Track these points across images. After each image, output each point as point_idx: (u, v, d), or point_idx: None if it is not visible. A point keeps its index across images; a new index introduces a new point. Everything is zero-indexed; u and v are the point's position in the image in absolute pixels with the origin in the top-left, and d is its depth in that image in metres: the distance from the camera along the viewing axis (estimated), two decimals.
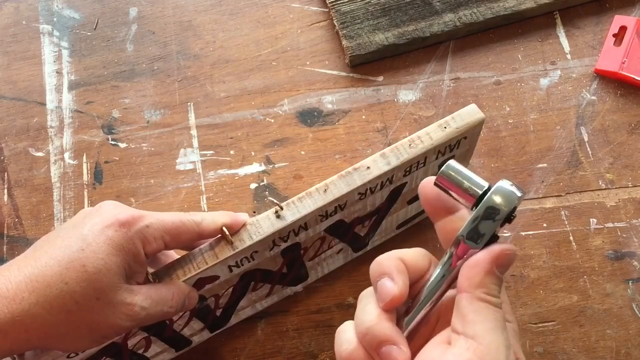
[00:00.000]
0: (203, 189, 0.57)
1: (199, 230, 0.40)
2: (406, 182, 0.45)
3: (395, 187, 0.45)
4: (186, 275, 0.40)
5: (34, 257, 0.36)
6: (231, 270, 0.42)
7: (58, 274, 0.35)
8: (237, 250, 0.40)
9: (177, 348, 0.50)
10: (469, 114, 0.43)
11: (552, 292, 0.52)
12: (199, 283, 0.42)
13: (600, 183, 0.56)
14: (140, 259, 0.38)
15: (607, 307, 0.51)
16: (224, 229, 0.40)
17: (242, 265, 0.42)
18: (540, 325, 0.51)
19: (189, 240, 0.40)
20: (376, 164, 0.42)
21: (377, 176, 0.42)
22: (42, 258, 0.35)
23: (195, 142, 0.59)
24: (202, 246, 0.41)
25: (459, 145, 0.45)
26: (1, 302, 0.34)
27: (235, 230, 0.41)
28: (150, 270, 0.40)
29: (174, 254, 0.45)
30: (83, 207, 0.57)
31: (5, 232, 0.57)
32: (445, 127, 0.43)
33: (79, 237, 0.36)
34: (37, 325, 0.34)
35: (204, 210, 0.56)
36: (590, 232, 0.54)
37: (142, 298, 0.37)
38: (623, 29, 0.61)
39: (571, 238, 0.54)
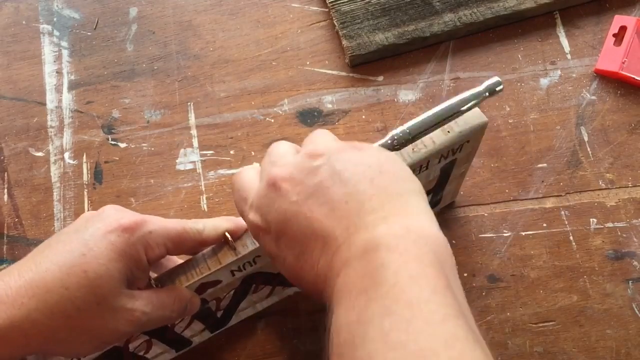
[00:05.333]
0: (203, 189, 0.57)
1: (201, 239, 0.40)
2: None
3: None
4: (189, 281, 0.40)
5: (34, 262, 0.35)
6: (233, 275, 0.42)
7: (59, 279, 0.34)
8: (239, 256, 0.40)
9: (177, 348, 0.50)
10: (473, 117, 0.43)
11: (552, 292, 0.52)
12: (201, 287, 0.41)
13: (600, 183, 0.56)
14: (142, 265, 0.37)
15: (607, 307, 0.51)
16: (227, 234, 0.40)
17: (245, 269, 0.42)
18: (540, 325, 0.51)
19: (191, 248, 0.40)
20: None
21: None
22: (43, 263, 0.35)
23: (195, 142, 0.59)
24: (204, 251, 0.41)
25: (462, 149, 0.44)
26: (0, 308, 0.33)
27: (238, 235, 0.40)
28: (153, 275, 0.40)
29: (177, 259, 0.45)
30: (83, 207, 0.57)
31: (5, 232, 0.57)
32: (448, 132, 0.42)
33: (81, 242, 0.36)
34: (37, 330, 0.34)
35: (204, 210, 0.56)
36: (590, 232, 0.54)
37: (144, 303, 0.37)
38: (623, 29, 0.61)
39: (571, 238, 0.54)
